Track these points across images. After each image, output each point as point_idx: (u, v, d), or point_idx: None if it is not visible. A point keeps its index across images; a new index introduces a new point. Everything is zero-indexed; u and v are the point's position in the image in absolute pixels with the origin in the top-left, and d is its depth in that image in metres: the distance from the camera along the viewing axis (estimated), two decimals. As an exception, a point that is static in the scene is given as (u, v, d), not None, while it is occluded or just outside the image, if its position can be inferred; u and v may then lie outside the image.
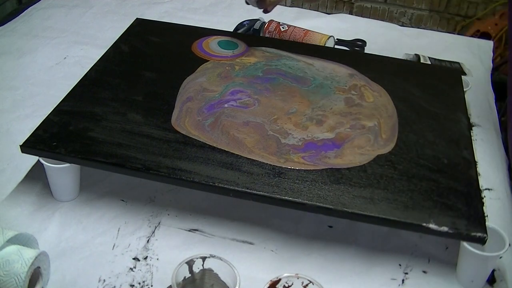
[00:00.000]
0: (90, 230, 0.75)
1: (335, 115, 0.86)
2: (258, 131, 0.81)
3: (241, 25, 1.23)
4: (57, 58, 1.13)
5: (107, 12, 1.33)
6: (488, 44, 1.33)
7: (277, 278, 0.63)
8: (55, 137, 0.77)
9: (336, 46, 1.18)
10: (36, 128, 0.79)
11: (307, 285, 0.63)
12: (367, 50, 1.20)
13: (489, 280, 0.71)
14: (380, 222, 0.70)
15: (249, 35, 1.16)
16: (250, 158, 0.76)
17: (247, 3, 1.03)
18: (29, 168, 0.84)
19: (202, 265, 0.65)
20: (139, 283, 0.68)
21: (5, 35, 1.20)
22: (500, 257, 0.71)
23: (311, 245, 0.75)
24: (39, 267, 0.65)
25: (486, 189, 0.85)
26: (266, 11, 0.99)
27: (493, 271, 0.71)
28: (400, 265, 0.73)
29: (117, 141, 0.77)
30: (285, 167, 0.75)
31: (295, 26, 1.18)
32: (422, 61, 1.14)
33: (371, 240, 0.76)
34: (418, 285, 0.70)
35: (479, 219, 0.69)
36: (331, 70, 0.98)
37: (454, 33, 1.64)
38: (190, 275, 0.65)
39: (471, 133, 0.88)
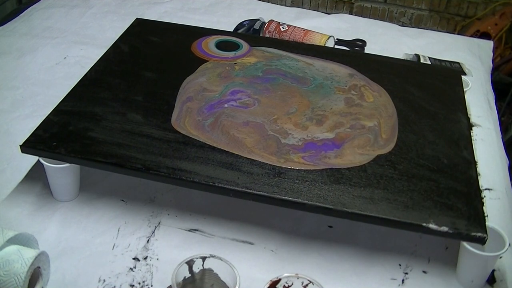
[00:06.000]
0: (90, 230, 0.75)
1: (335, 115, 0.86)
2: (258, 131, 0.81)
3: (241, 25, 1.23)
4: (57, 58, 1.13)
5: (107, 12, 1.33)
6: (488, 44, 1.33)
7: (277, 278, 0.63)
8: (55, 137, 0.77)
9: (336, 46, 1.18)
10: (36, 128, 0.79)
11: (307, 285, 0.63)
12: (367, 50, 1.20)
13: (489, 280, 0.71)
14: (380, 222, 0.70)
15: (249, 35, 1.16)
16: (250, 158, 0.76)
17: None
18: (29, 168, 0.84)
19: (202, 265, 0.65)
20: (139, 283, 0.68)
21: (5, 35, 1.20)
22: (500, 257, 0.71)
23: (311, 245, 0.75)
24: (39, 267, 0.65)
25: (486, 189, 0.85)
26: None
27: (493, 271, 0.71)
28: (400, 265, 0.73)
29: (117, 141, 0.77)
30: (285, 167, 0.75)
31: (295, 26, 1.18)
32: (422, 61, 1.14)
33: (371, 240, 0.76)
34: (418, 285, 0.70)
35: (479, 219, 0.69)
36: (331, 70, 0.98)
37: (454, 33, 1.64)
38: (190, 275, 0.65)
39: (471, 133, 0.88)
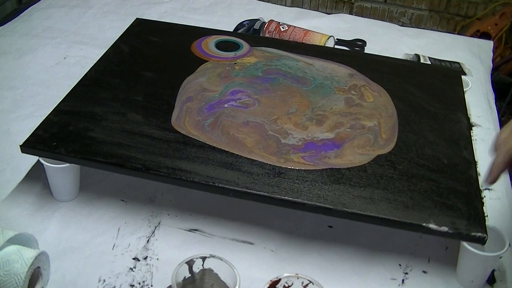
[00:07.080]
0: (90, 230, 0.75)
1: (335, 115, 0.86)
2: (258, 131, 0.81)
3: (241, 25, 1.23)
4: (57, 58, 1.13)
5: (107, 12, 1.33)
6: (488, 44, 1.33)
7: (277, 278, 0.63)
8: (55, 137, 0.77)
9: (336, 46, 1.18)
10: (36, 128, 0.79)
11: (307, 285, 0.63)
12: (367, 50, 1.20)
13: (489, 280, 0.71)
14: (380, 222, 0.70)
15: (249, 35, 1.16)
16: (250, 158, 0.76)
17: None
18: (29, 168, 0.84)
19: (202, 265, 0.65)
20: (139, 283, 0.68)
21: (5, 35, 1.20)
22: (500, 257, 0.71)
23: (311, 245, 0.75)
24: (39, 267, 0.65)
25: (486, 189, 0.85)
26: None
27: (493, 271, 0.71)
28: (400, 265, 0.73)
29: (117, 141, 0.77)
30: (285, 167, 0.75)
31: (295, 26, 1.18)
32: (422, 61, 1.14)
33: (371, 240, 0.76)
34: (418, 285, 0.70)
35: (479, 219, 0.69)
36: (331, 70, 0.98)
37: (454, 33, 1.64)
38: (190, 275, 0.65)
39: (471, 133, 0.88)
